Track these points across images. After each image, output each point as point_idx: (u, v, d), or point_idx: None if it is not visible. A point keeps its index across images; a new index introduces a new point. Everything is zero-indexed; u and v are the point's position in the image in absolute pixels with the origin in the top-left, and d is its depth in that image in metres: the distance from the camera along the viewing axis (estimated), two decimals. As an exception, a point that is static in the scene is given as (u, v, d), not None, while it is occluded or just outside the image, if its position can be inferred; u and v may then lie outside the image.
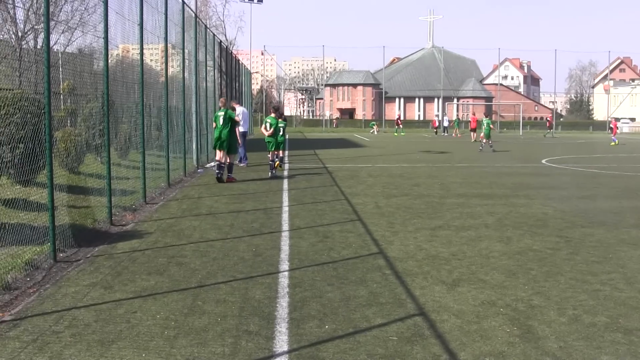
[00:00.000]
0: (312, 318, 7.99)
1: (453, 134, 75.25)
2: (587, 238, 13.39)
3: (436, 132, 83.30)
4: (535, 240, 13.08)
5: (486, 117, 48.37)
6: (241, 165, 28.20)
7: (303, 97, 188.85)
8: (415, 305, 8.57)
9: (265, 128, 24.95)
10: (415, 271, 10.42)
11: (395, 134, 79.70)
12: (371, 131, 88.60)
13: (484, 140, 45.79)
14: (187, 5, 24.68)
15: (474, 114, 73.44)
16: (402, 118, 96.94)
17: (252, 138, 48.69)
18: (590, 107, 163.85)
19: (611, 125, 63.70)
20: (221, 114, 22.62)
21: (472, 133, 64.89)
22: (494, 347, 7.16)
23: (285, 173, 25.97)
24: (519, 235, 13.66)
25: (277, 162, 25.03)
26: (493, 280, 9.93)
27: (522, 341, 7.34)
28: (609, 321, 8.10)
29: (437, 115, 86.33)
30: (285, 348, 7.05)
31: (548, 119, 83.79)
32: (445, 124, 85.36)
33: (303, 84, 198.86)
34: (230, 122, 22.64)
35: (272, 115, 25.35)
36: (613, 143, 58.90)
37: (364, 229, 14.05)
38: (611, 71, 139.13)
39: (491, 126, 47.94)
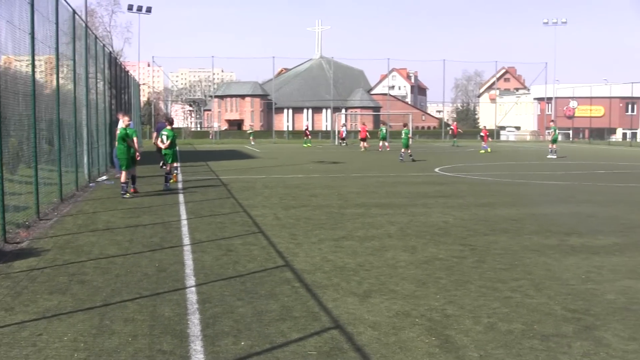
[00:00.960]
0: (226, 335, 7.75)
1: (379, 147, 72.64)
2: (492, 246, 13.51)
3: (341, 143, 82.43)
4: (440, 249, 13.12)
5: (405, 126, 48.94)
6: (106, 182, 27.24)
7: (191, 108, 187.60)
8: (329, 318, 8.42)
9: (162, 141, 24.59)
10: (325, 283, 10.29)
11: (304, 144, 79.18)
12: (252, 142, 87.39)
13: (403, 150, 46.11)
14: (77, 14, 24.12)
15: (363, 124, 74.01)
16: (310, 129, 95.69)
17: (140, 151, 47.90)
18: (477, 116, 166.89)
19: (482, 134, 64.94)
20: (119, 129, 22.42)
21: (361, 142, 65.55)
22: (415, 358, 7.06)
23: (180, 185, 25.59)
24: (423, 244, 13.68)
25: (175, 175, 24.77)
26: (404, 291, 9.87)
27: (442, 352, 7.27)
28: (525, 328, 8.11)
29: (344, 125, 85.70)
30: (203, 367, 6.81)
31: (452, 127, 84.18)
32: (344, 134, 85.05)
33: (191, 95, 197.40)
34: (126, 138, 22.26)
35: (168, 127, 24.95)
36: (483, 151, 60.27)
37: (266, 242, 13.87)
38: (497, 80, 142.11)
39: (409, 135, 48.47)
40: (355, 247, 13.34)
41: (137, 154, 22.71)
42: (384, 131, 67.37)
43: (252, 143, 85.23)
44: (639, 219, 17.59)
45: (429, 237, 14.44)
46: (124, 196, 21.65)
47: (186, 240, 14.06)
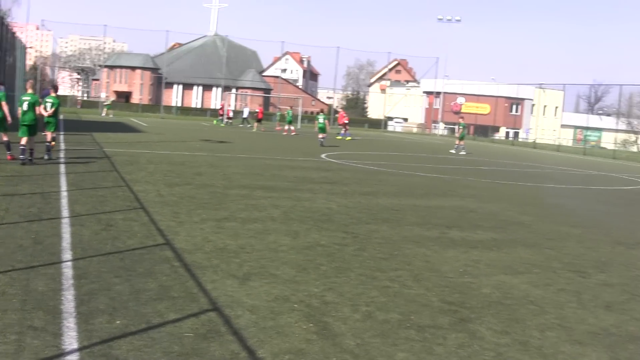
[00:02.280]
0: (101, 313, 7.57)
1: (284, 130, 70.11)
2: (373, 234, 13.60)
3: (225, 123, 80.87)
4: (322, 235, 13.14)
5: (322, 112, 49.28)
6: None
7: (79, 77, 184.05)
8: (208, 300, 8.33)
9: (45, 108, 23.64)
10: (205, 264, 10.17)
11: (215, 122, 77.64)
12: (103, 113, 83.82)
13: (320, 135, 46.49)
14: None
15: (260, 106, 74.14)
16: (226, 108, 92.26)
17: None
18: (366, 105, 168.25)
19: (345, 121, 63.40)
20: (26, 98, 21.94)
21: (255, 123, 66.37)
22: (293, 344, 7.03)
23: (62, 155, 25.03)
24: (306, 229, 13.68)
25: (53, 143, 24.17)
26: (284, 275, 9.84)
27: (319, 338, 7.27)
28: (401, 318, 8.18)
29: (225, 104, 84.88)
30: (75, 345, 6.60)
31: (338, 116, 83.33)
32: (246, 114, 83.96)
33: (79, 63, 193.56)
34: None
35: (53, 94, 24.23)
36: (340, 137, 60.07)
37: (148, 218, 13.64)
38: (388, 71, 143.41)
39: (326, 121, 48.79)
40: (238, 228, 13.25)
41: (8, 118, 22.13)
42: (291, 115, 67.11)
43: (106, 115, 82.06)
44: (517, 216, 18.00)
45: (312, 223, 14.46)
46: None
47: (65, 212, 13.70)
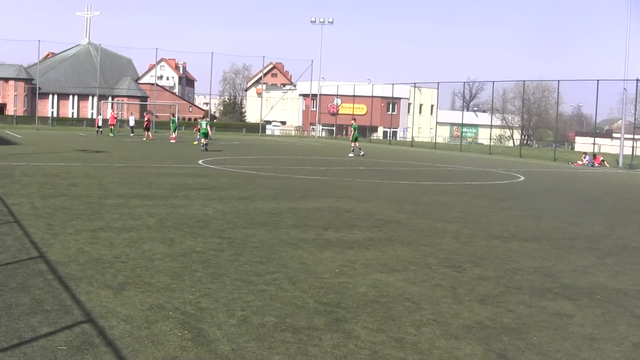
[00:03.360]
0: (-30, 329, 7.43)
1: (171, 137, 68.27)
2: (249, 239, 13.63)
3: (98, 131, 79.65)
4: (197, 242, 13.10)
5: (204, 117, 50.29)
6: None
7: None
8: (82, 312, 8.23)
9: None
10: (79, 275, 10.04)
11: (111, 134, 75.19)
12: None
13: (203, 140, 46.68)
14: None
15: (147, 113, 73.26)
16: (116, 118, 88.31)
17: None
18: (243, 110, 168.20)
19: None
20: None
21: (146, 132, 67.14)
22: (167, 352, 7.01)
23: None
24: (181, 236, 13.63)
25: None
26: (159, 283, 9.79)
27: (194, 345, 7.26)
28: (277, 321, 8.23)
29: (100, 114, 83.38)
30: (-58, 364, 6.48)
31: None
32: (132, 123, 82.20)
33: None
34: None
35: None
36: (196, 142, 57.79)
37: (21, 232, 13.39)
38: (264, 75, 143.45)
39: (209, 126, 49.18)
40: (113, 238, 13.11)
41: None
42: (175, 122, 66.91)
43: None
44: (393, 215, 18.27)
45: (187, 230, 14.41)
46: None
47: None
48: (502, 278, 11.37)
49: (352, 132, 53.20)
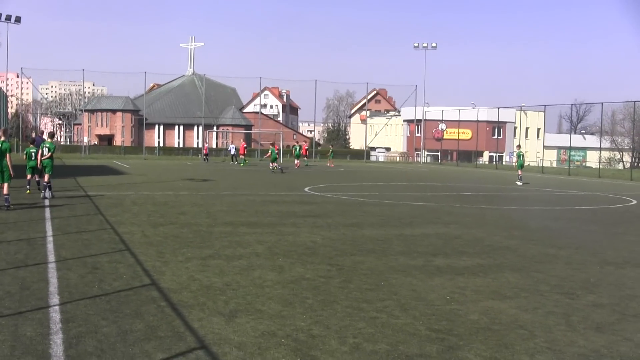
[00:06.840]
0: (89, 355, 7.57)
1: (328, 164, 71.81)
2: (358, 266, 13.61)
3: (205, 160, 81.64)
4: (307, 269, 13.14)
5: (272, 145, 53.56)
6: None
7: (60, 122, 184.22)
8: (195, 338, 8.33)
9: (42, 154, 26.73)
10: (191, 302, 10.18)
11: (242, 164, 75.75)
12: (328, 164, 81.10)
13: (273, 164, 47.02)
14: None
15: (243, 141, 74.65)
16: (246, 146, 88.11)
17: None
18: (347, 136, 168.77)
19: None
20: None
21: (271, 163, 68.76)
22: (281, 379, 7.04)
23: (47, 202, 24.99)
24: (290, 263, 13.69)
25: (29, 190, 28.15)
26: (270, 310, 9.84)
27: (308, 372, 7.27)
28: (389, 348, 8.18)
29: (206, 142, 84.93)
30: (64, 389, 6.61)
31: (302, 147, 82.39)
32: (233, 152, 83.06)
33: (60, 108, 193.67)
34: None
35: (49, 140, 27.48)
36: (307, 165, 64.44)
37: (133, 259, 13.65)
38: (368, 101, 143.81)
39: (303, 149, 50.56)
40: (223, 266, 13.26)
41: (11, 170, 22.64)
42: (298, 149, 70.95)
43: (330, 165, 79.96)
44: (502, 241, 18.02)
45: (296, 257, 14.47)
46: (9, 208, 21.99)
47: (51, 257, 13.71)
48: (618, 305, 11.09)
49: (518, 159, 52.71)
